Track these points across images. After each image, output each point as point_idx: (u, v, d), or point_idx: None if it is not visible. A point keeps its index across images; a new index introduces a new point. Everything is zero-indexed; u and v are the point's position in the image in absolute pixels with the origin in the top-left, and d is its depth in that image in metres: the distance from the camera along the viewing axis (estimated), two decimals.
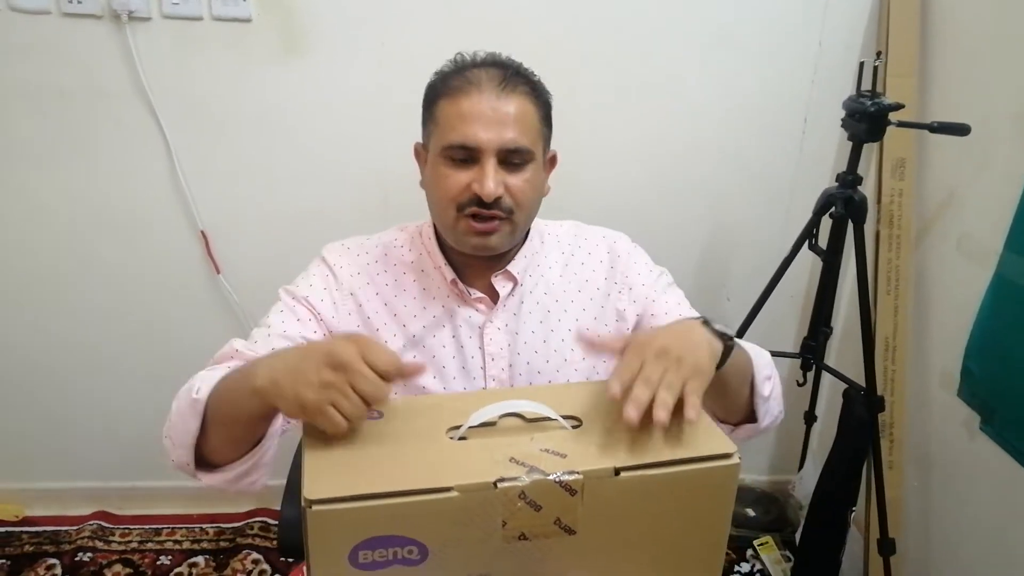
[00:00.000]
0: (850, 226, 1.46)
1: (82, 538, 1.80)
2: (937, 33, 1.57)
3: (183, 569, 1.76)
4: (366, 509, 0.60)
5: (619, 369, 0.72)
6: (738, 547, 1.91)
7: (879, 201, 1.63)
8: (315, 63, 1.57)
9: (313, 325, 0.96)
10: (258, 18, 1.53)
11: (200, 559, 1.79)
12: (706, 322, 0.81)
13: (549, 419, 0.71)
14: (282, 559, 1.75)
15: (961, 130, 1.33)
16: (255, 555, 1.79)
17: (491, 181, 0.89)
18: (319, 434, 0.67)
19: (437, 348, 0.98)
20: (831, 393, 1.89)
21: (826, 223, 1.49)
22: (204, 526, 1.88)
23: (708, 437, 0.69)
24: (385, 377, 0.68)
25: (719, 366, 0.77)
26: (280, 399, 0.69)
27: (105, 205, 1.65)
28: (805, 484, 1.84)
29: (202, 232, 1.68)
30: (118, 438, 1.87)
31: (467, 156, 0.91)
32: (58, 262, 1.70)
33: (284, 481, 1.12)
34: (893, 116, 1.37)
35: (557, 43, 1.59)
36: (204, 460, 0.84)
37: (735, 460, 0.67)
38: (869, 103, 1.36)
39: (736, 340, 0.83)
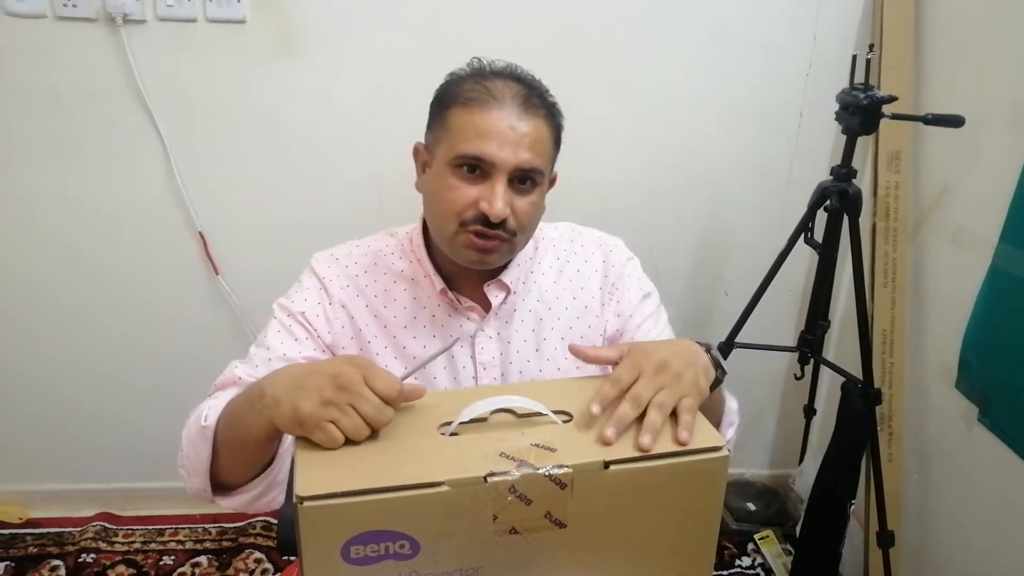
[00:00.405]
0: (846, 220, 1.46)
1: (85, 539, 1.81)
2: (931, 25, 1.57)
3: (186, 569, 1.77)
4: (357, 504, 0.60)
5: (610, 380, 0.72)
6: (739, 541, 1.91)
7: (875, 194, 1.63)
8: (310, 64, 1.57)
9: (311, 343, 0.95)
10: (252, 20, 1.53)
11: (203, 559, 1.80)
12: (708, 348, 0.81)
13: (540, 414, 0.71)
14: (284, 558, 1.76)
15: (955, 122, 1.33)
16: (258, 554, 1.80)
17: (500, 201, 0.86)
18: None
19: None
20: (831, 387, 1.89)
21: (822, 217, 1.49)
22: (207, 526, 1.89)
23: (697, 431, 0.70)
24: (388, 402, 0.68)
25: None
26: (278, 415, 0.69)
27: (103, 208, 1.66)
28: (806, 478, 1.84)
29: (200, 233, 1.68)
30: (120, 439, 1.88)
31: (477, 170, 0.88)
32: (58, 264, 1.71)
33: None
34: (887, 108, 1.37)
35: (553, 39, 1.59)
36: (220, 484, 0.85)
37: (724, 453, 0.67)
38: (862, 96, 1.36)
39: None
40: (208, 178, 1.65)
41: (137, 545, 1.83)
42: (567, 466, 0.64)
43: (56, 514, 1.90)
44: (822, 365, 1.68)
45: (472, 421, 0.70)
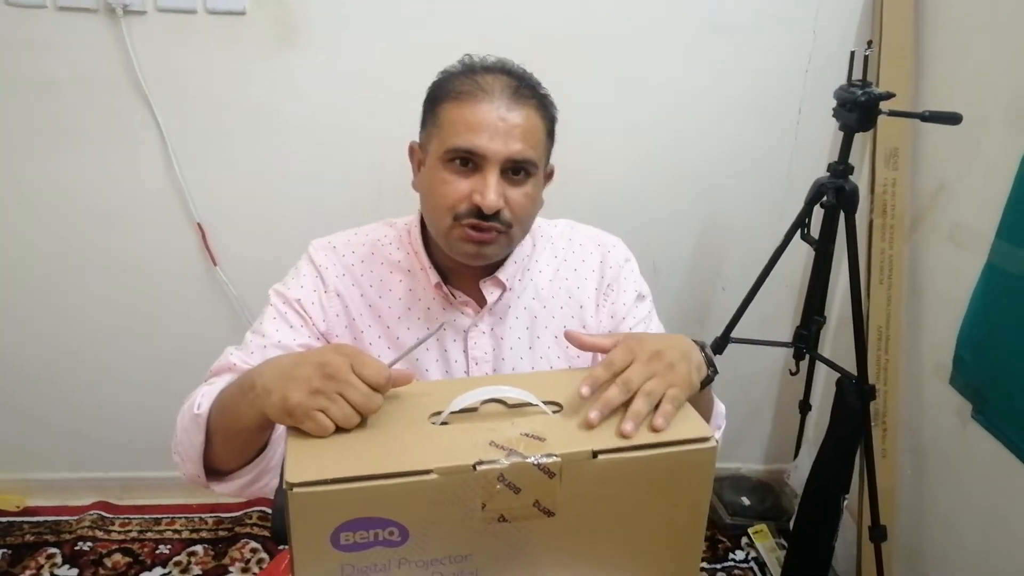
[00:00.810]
0: (842, 216, 1.46)
1: (82, 528, 1.82)
2: (930, 23, 1.57)
3: (182, 558, 1.78)
4: (347, 491, 0.61)
5: (603, 363, 0.73)
6: (733, 535, 1.92)
7: (872, 191, 1.63)
8: (309, 55, 1.58)
9: (306, 331, 0.96)
10: (252, 11, 1.53)
11: (199, 548, 1.81)
12: (702, 347, 0.82)
13: (530, 404, 0.71)
14: (279, 547, 1.77)
15: (953, 119, 1.33)
16: (253, 544, 1.81)
17: (493, 192, 0.86)
18: None
19: (420, 351, 0.96)
20: (826, 382, 1.89)
21: (819, 213, 1.50)
22: (203, 516, 1.90)
23: (685, 421, 0.70)
24: (376, 389, 0.69)
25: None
26: (269, 405, 0.70)
27: (101, 198, 1.66)
28: (800, 473, 1.85)
29: (198, 224, 1.69)
30: (118, 429, 1.89)
31: (469, 163, 0.88)
32: (57, 254, 1.71)
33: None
34: (884, 105, 1.37)
35: (551, 34, 1.59)
36: (214, 470, 0.86)
37: (712, 444, 0.68)
38: (859, 92, 1.36)
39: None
40: (207, 169, 1.66)
41: (134, 534, 1.84)
42: (556, 455, 0.64)
43: (54, 503, 1.91)
44: (817, 361, 1.69)
45: (463, 411, 0.70)
